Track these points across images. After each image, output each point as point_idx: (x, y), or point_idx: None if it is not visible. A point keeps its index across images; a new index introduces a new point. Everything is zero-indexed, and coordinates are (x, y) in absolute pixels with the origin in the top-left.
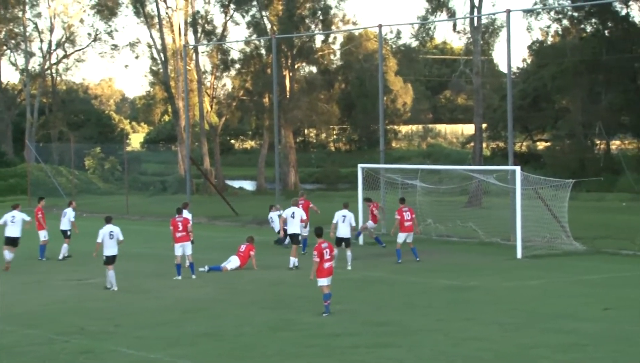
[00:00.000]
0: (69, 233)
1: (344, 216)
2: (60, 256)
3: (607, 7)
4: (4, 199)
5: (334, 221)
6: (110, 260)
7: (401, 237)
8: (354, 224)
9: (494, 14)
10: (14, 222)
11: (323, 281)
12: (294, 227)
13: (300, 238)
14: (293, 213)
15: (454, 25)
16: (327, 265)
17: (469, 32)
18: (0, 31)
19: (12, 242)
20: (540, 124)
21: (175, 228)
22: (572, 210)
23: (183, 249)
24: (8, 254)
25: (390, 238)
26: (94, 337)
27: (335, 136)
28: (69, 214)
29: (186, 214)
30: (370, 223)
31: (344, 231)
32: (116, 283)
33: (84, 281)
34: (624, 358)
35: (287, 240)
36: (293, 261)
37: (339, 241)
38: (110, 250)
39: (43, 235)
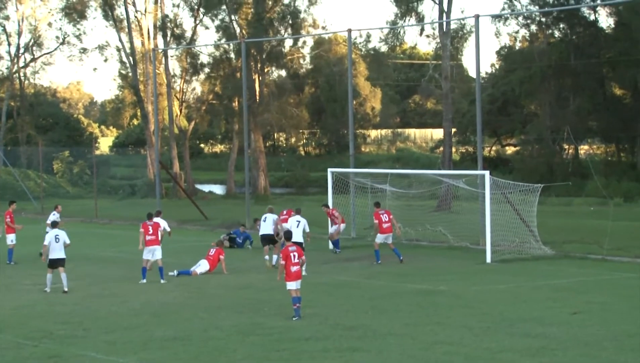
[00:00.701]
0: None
1: (297, 221)
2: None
3: (575, 13)
4: None
5: (287, 226)
6: (54, 263)
7: (380, 238)
8: (308, 230)
9: (462, 19)
10: None
11: (291, 285)
12: (267, 228)
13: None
14: (265, 217)
15: (421, 30)
16: (294, 268)
17: (438, 37)
18: None
19: None
20: (509, 128)
21: (145, 231)
22: (540, 215)
23: (152, 253)
24: None
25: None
26: (62, 342)
27: (304, 140)
28: (52, 218)
29: (161, 221)
30: (334, 228)
31: (297, 237)
32: (67, 285)
33: (52, 285)
34: (591, 362)
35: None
36: (274, 258)
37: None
38: (56, 253)
39: (11, 238)
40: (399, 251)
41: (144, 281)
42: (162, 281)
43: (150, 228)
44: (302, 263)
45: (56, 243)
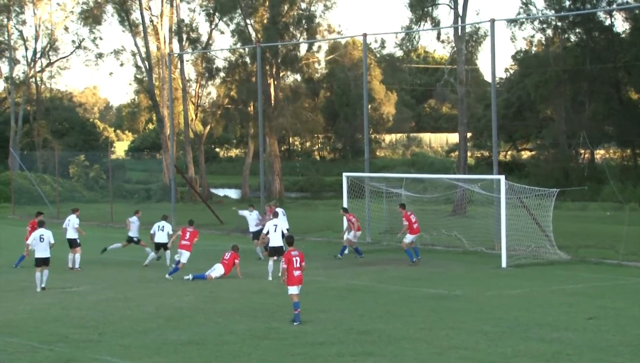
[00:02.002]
0: (78, 241)
1: (275, 225)
2: (71, 265)
3: (591, 17)
4: None
5: (265, 232)
6: (40, 262)
7: (409, 238)
8: (287, 233)
9: (478, 23)
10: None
11: (293, 289)
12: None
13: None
14: (275, 227)
15: (438, 35)
16: (297, 273)
17: (453, 42)
18: None
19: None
20: (525, 133)
21: (182, 235)
22: (556, 219)
23: (181, 255)
24: None
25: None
26: (77, 345)
27: (319, 145)
28: (72, 221)
29: (167, 226)
30: (352, 234)
31: (276, 241)
32: (46, 282)
33: (67, 290)
34: None
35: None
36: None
37: (273, 251)
38: (42, 252)
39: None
40: (419, 253)
41: (188, 277)
42: (168, 276)
43: (188, 233)
44: (303, 269)
45: (41, 242)
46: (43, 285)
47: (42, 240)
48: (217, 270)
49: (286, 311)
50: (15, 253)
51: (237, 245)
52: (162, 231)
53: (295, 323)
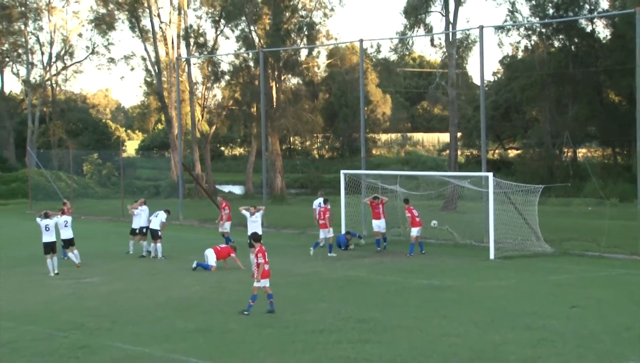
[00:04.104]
0: (160, 233)
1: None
2: (156, 254)
3: (573, 24)
4: (6, 203)
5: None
6: (49, 248)
7: (415, 231)
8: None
9: (467, 30)
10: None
11: (266, 282)
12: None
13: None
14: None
15: (431, 40)
16: (267, 266)
17: (444, 47)
18: (3, 44)
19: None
20: (511, 133)
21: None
22: (541, 214)
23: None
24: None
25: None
26: (91, 333)
27: (319, 144)
28: (160, 215)
29: (163, 218)
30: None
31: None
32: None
33: (81, 280)
34: (589, 354)
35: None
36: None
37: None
38: (49, 238)
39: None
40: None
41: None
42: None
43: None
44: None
45: (47, 231)
46: (56, 271)
47: (47, 229)
48: (210, 256)
49: (287, 301)
50: (32, 246)
51: (235, 247)
52: (155, 218)
53: (245, 312)
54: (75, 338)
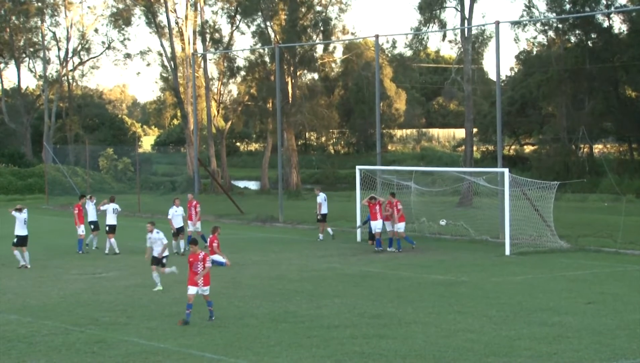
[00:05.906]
0: (185, 229)
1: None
2: (178, 251)
3: (590, 19)
4: (23, 197)
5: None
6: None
7: (402, 227)
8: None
9: (483, 25)
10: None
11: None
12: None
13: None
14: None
15: (444, 36)
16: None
17: (460, 42)
18: (20, 40)
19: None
20: (527, 129)
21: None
22: (557, 210)
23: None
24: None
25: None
26: (107, 328)
27: (334, 139)
28: (179, 211)
29: (179, 211)
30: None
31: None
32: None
33: (97, 275)
34: (604, 350)
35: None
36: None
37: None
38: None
39: (81, 229)
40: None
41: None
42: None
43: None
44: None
45: (24, 224)
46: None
47: (25, 222)
48: (217, 257)
49: (303, 296)
50: (48, 241)
51: (217, 227)
52: (176, 214)
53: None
54: (91, 333)
